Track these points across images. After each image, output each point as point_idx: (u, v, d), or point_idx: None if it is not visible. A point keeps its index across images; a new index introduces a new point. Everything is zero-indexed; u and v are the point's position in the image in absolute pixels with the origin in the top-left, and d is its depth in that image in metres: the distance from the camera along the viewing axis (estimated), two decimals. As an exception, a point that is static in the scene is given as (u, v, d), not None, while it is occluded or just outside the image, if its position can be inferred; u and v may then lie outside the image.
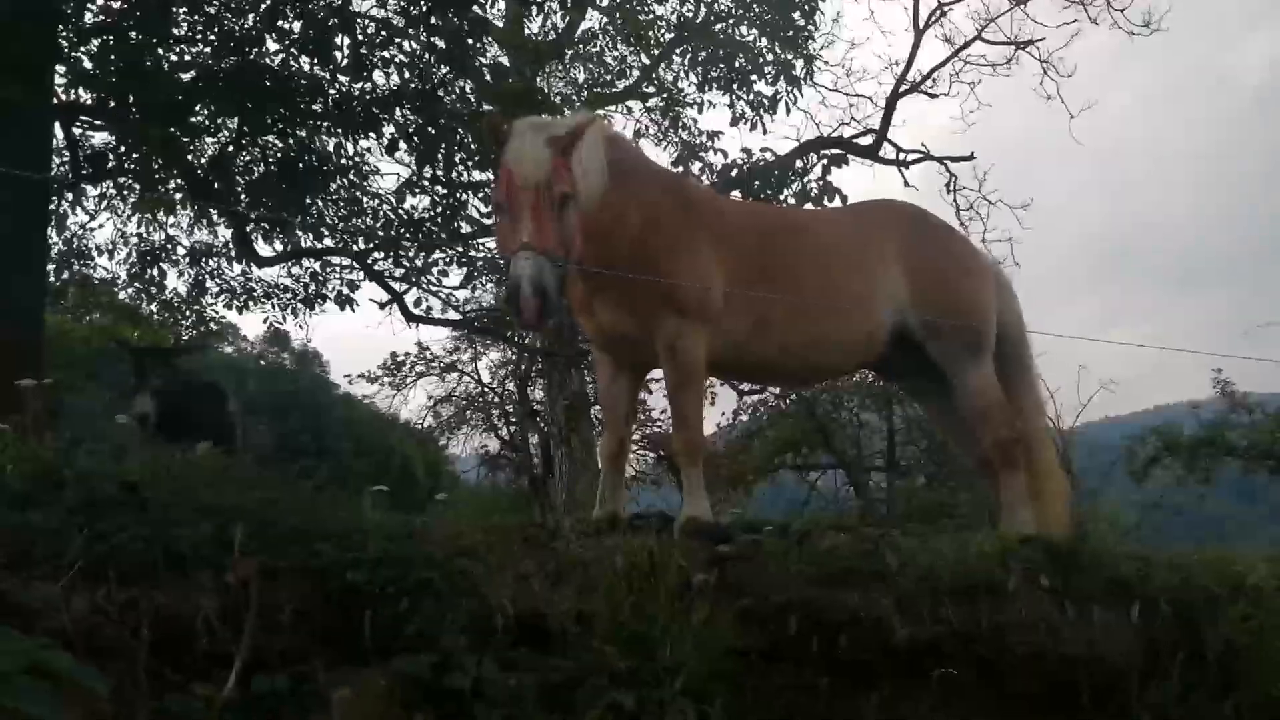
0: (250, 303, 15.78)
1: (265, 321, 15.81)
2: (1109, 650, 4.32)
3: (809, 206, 12.30)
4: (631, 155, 5.84)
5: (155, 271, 15.55)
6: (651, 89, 14.91)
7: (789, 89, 13.80)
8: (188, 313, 16.75)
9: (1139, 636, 4.41)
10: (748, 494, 33.57)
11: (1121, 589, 4.55)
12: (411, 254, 12.91)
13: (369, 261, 12.77)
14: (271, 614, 3.48)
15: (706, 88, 14.29)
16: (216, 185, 12.48)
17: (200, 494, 3.73)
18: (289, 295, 15.15)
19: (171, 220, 14.39)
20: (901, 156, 16.45)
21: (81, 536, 3.25)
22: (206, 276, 15.09)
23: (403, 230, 12.13)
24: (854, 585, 4.24)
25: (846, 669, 4.09)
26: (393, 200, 12.02)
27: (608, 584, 4.02)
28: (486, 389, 29.53)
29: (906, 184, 16.86)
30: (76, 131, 12.33)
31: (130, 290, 16.49)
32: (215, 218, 13.24)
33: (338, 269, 14.91)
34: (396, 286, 13.46)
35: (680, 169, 13.41)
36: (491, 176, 11.41)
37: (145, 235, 15.03)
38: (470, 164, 10.73)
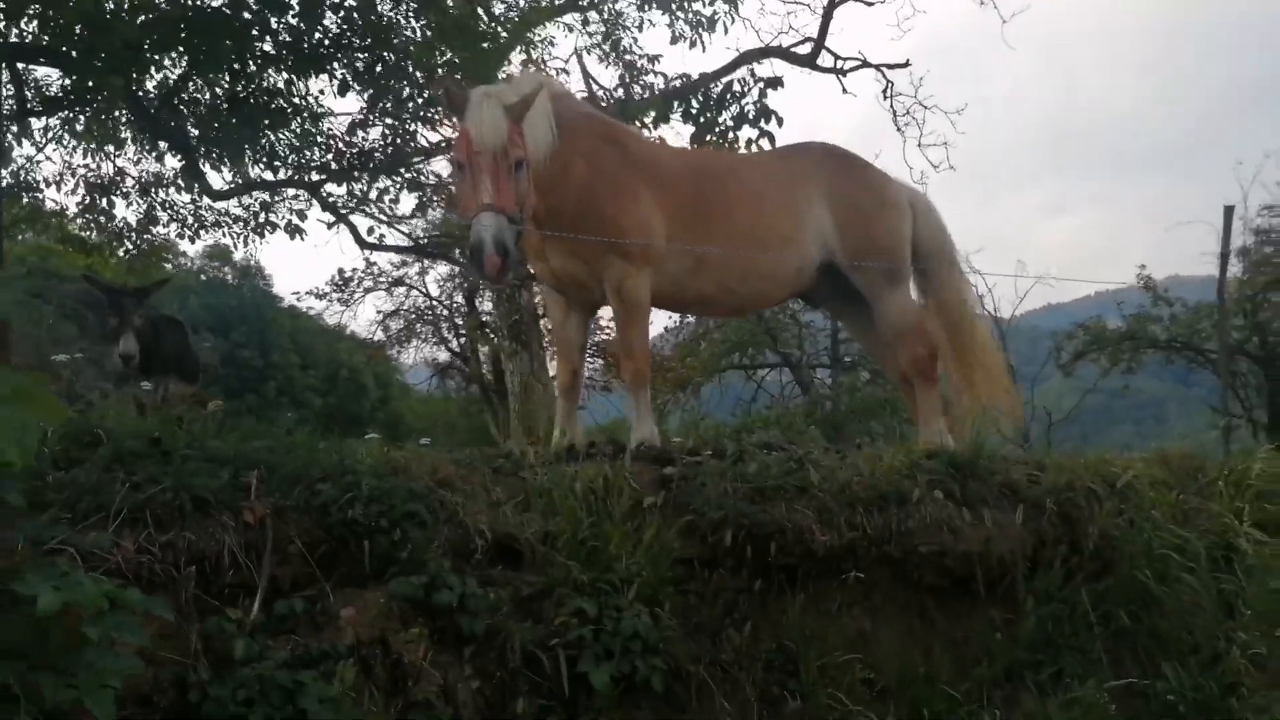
0: (201, 231, 16.03)
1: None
2: (1001, 546, 5.05)
3: (746, 137, 12.74)
4: (574, 109, 6.31)
5: (105, 202, 15.71)
6: (590, 7, 15.12)
7: (728, 7, 14.07)
8: (139, 241, 16.90)
9: (1027, 532, 5.14)
10: (695, 396, 34.38)
11: (1012, 492, 5.27)
12: (362, 183, 13.24)
13: (323, 193, 13.09)
14: (284, 547, 4.07)
15: (646, 7, 14.52)
16: (167, 121, 12.69)
17: (213, 445, 4.27)
18: (239, 224, 15.43)
19: (120, 153, 14.53)
20: (839, 65, 16.80)
21: (122, 488, 3.79)
22: (157, 207, 15.30)
23: (353, 160, 12.46)
24: (781, 500, 4.89)
25: (776, 572, 4.77)
26: (343, 135, 12.33)
27: (568, 507, 4.63)
28: (435, 302, 29.83)
29: (845, 91, 17.22)
30: (21, 67, 12.44)
31: (79, 221, 16.61)
32: (165, 150, 13.45)
33: (287, 198, 15.18)
34: (348, 215, 13.81)
35: (621, 91, 13.75)
36: (439, 111, 11.76)
37: (94, 167, 15.17)
38: (420, 97, 11.02)
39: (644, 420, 5.96)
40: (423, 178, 13.35)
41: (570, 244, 5.88)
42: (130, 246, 16.62)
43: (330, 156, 12.79)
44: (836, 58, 16.77)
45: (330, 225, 15.65)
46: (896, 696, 4.65)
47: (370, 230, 14.51)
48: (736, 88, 12.96)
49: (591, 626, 4.22)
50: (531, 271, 6.31)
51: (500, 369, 28.36)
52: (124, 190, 15.48)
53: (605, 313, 7.03)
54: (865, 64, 16.92)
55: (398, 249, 16.59)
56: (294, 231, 15.23)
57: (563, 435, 6.15)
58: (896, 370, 6.86)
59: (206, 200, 14.80)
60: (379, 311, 31.60)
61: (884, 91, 17.68)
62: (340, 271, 29.23)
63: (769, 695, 4.58)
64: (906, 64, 17.41)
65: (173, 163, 14.20)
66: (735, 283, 6.29)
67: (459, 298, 30.06)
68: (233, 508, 4.00)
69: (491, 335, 28.71)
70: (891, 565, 4.92)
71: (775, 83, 13.13)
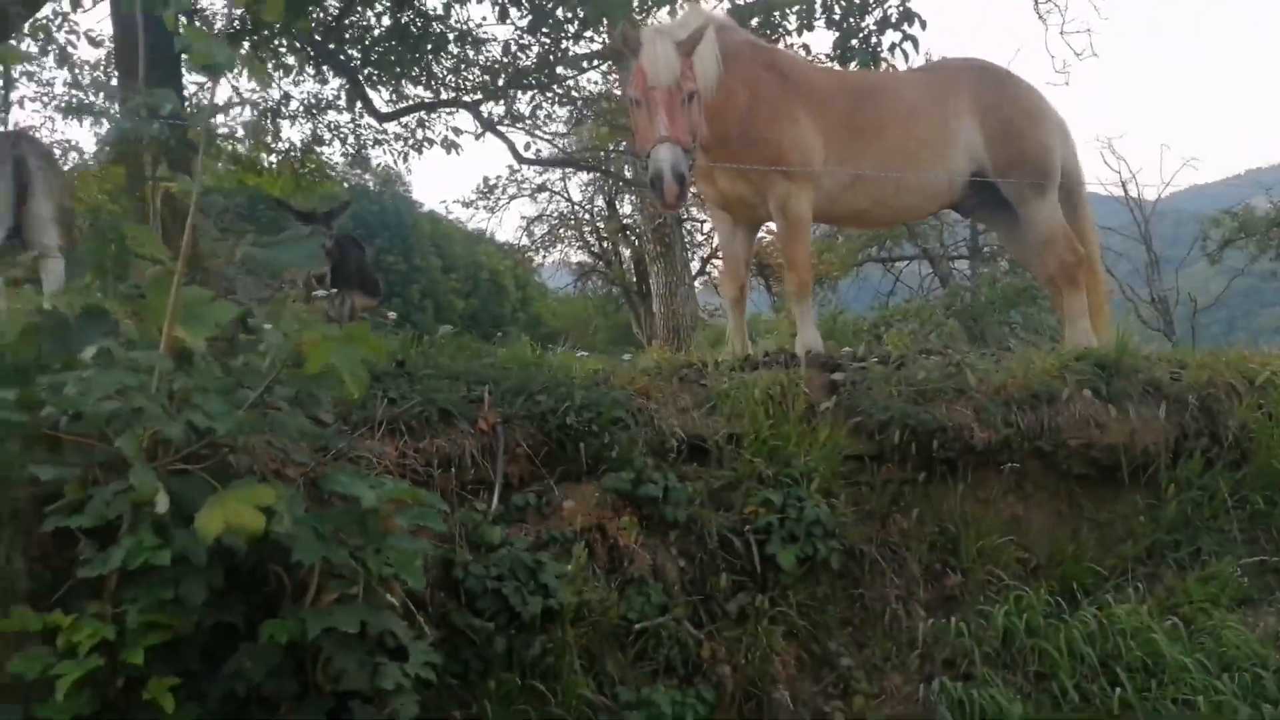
0: (362, 151, 16.93)
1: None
2: (1145, 438, 5.49)
3: (889, 41, 12.82)
4: (737, 39, 6.77)
5: (272, 125, 16.69)
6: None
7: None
8: (306, 164, 17.87)
9: (1170, 426, 5.56)
10: (833, 290, 34.56)
11: (1155, 389, 5.68)
12: (518, 101, 13.86)
13: (481, 111, 13.75)
14: (512, 449, 4.77)
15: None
16: (333, 48, 13.44)
17: (447, 364, 4.99)
18: (400, 142, 16.26)
19: (287, 79, 15.40)
20: None
21: (381, 403, 4.52)
22: (322, 128, 16.23)
23: (510, 79, 13.05)
24: (942, 401, 5.41)
25: (938, 465, 5.31)
26: (500, 57, 12.92)
27: (751, 411, 5.23)
28: (577, 207, 30.52)
29: None
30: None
31: (248, 144, 17.63)
32: (330, 75, 14.27)
33: (443, 115, 15.89)
34: (506, 132, 14.49)
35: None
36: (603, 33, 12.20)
37: (261, 92, 16.10)
38: (577, 17, 11.45)
39: (807, 329, 6.51)
40: (574, 93, 13.88)
41: (737, 164, 6.39)
42: (297, 166, 17.61)
43: (487, 77, 13.40)
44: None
45: (478, 136, 16.38)
46: (1047, 573, 5.19)
47: (527, 146, 15.19)
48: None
49: (777, 514, 4.84)
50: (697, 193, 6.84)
51: (643, 271, 29.07)
52: (290, 114, 16.43)
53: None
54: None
55: (554, 162, 17.22)
56: (450, 146, 16.02)
57: (731, 343, 6.74)
58: (1044, 275, 7.23)
59: (367, 120, 15.60)
60: (523, 217, 32.54)
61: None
62: (485, 179, 30.09)
63: (932, 571, 5.17)
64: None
65: (332, 89, 14.99)
66: (889, 197, 6.73)
67: (600, 201, 30.61)
68: (469, 417, 4.70)
69: (633, 238, 29.36)
70: (1043, 457, 5.41)
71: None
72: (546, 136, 15.27)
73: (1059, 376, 5.53)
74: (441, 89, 13.34)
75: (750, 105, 6.37)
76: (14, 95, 16.16)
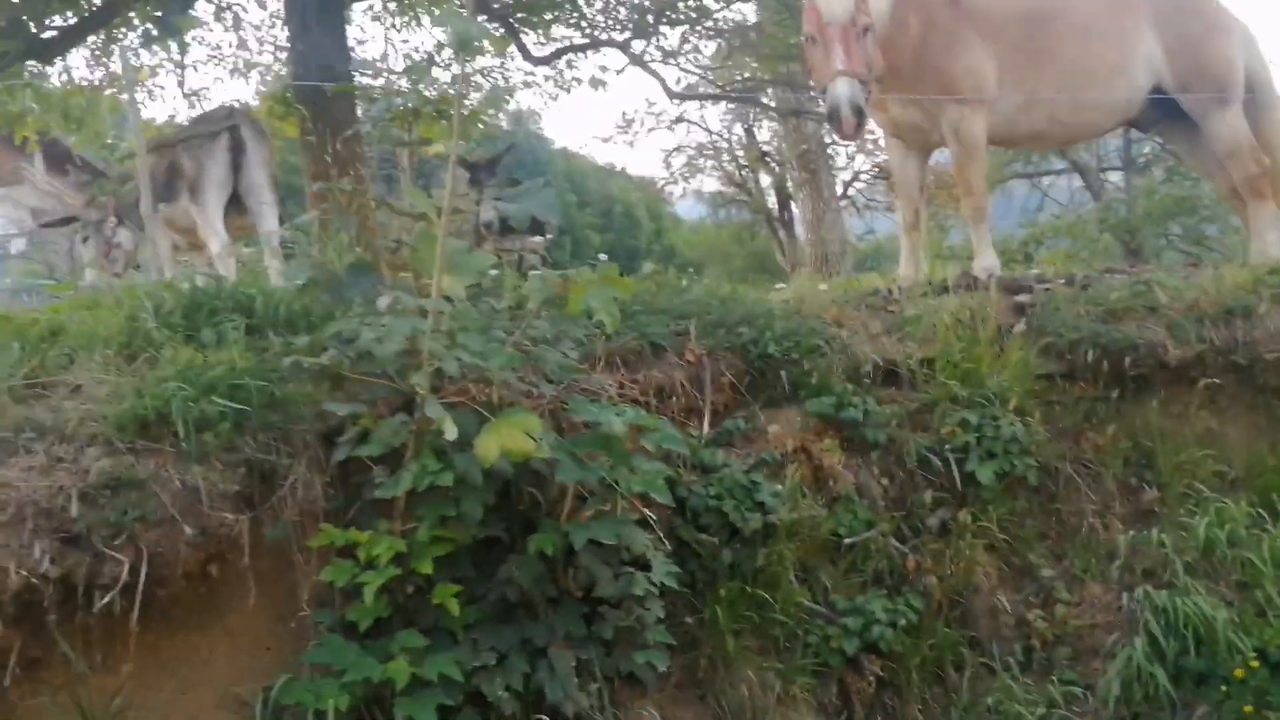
0: (508, 94, 17.28)
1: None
2: (1342, 350, 5.49)
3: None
4: None
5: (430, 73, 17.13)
6: None
7: None
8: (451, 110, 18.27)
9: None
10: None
11: (1354, 301, 5.65)
12: (667, 38, 14.01)
13: (631, 49, 13.94)
14: (717, 379, 5.07)
15: None
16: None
17: (654, 301, 5.29)
18: (549, 82, 16.58)
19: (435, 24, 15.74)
20: None
21: (601, 339, 4.85)
22: (476, 74, 16.63)
23: (660, 17, 13.22)
24: (1132, 319, 5.50)
25: (1129, 382, 5.42)
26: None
27: (943, 335, 5.41)
28: (715, 136, 30.46)
29: None
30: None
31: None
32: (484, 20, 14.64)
33: (587, 55, 16.09)
34: (657, 69, 14.65)
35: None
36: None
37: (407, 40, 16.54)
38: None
39: (985, 251, 6.62)
40: (722, 24, 13.95)
41: (910, 92, 6.49)
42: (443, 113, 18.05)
43: (636, 15, 13.58)
44: None
45: (619, 72, 16.54)
46: (1245, 485, 5.27)
47: (677, 80, 15.34)
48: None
49: (974, 433, 5.05)
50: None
51: (785, 198, 28.99)
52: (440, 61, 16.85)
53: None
54: None
55: (707, 96, 17.34)
56: (597, 85, 16.27)
57: (906, 268, 6.89)
58: (1227, 188, 7.16)
59: (517, 63, 15.92)
60: (662, 150, 32.73)
61: None
62: (624, 114, 30.27)
63: (1127, 486, 5.32)
64: None
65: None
66: (1066, 115, 6.74)
67: (739, 130, 30.50)
68: (678, 350, 5.01)
69: (774, 165, 29.26)
70: (1238, 371, 5.46)
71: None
72: (697, 70, 15.36)
73: (1253, 291, 5.56)
74: (591, 29, 13.56)
75: (922, 33, 6.45)
76: (187, 59, 16.95)
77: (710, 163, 32.43)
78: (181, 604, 3.66)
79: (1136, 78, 6.73)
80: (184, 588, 3.61)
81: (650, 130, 31.70)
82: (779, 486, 4.64)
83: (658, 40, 13.85)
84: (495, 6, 14.05)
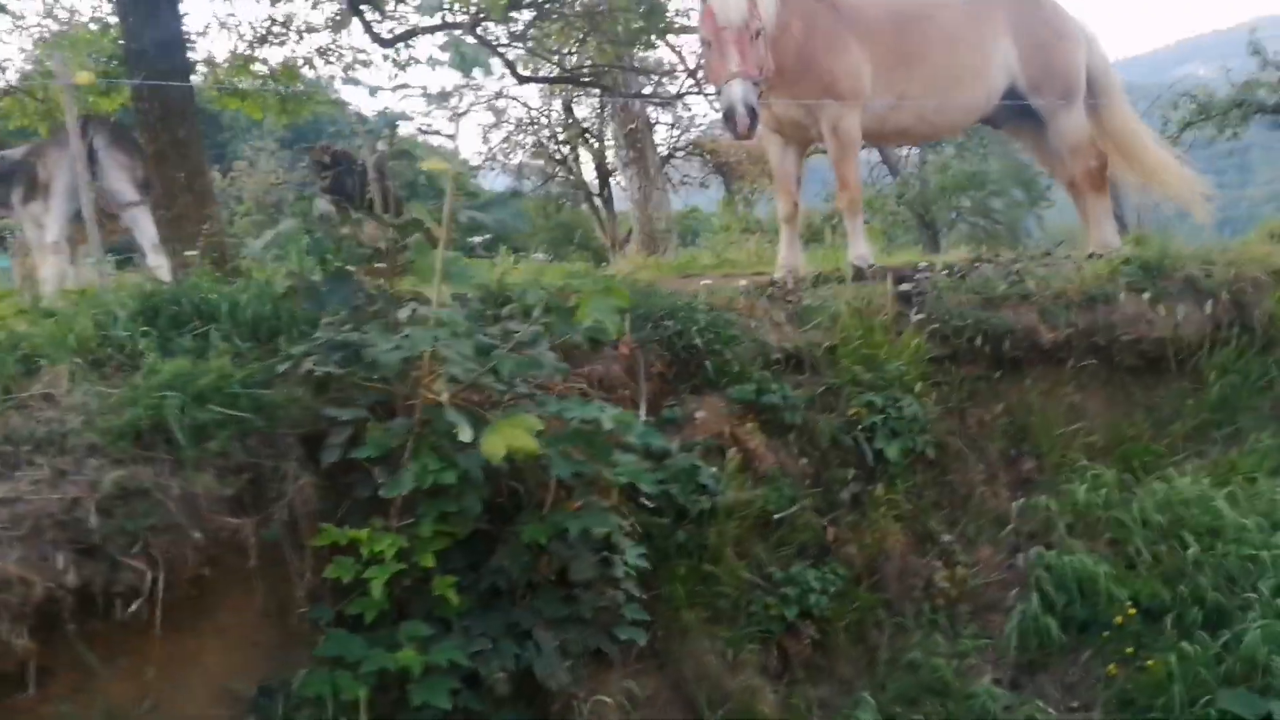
0: (347, 72, 17.05)
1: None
2: (1186, 331, 6.26)
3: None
4: None
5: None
6: None
7: None
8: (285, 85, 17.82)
9: (1206, 318, 6.32)
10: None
11: (1192, 286, 6.42)
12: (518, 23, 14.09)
13: (478, 32, 13.96)
14: (649, 369, 5.39)
15: None
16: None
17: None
18: (388, 62, 16.45)
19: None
20: None
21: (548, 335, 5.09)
22: (311, 51, 16.34)
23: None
24: (1008, 306, 6.10)
25: (1008, 364, 6.02)
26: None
27: (844, 323, 5.88)
28: (535, 113, 30.49)
29: None
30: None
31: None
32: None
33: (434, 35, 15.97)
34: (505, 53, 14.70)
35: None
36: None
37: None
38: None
39: (860, 242, 7.15)
40: (566, 9, 14.12)
41: (792, 91, 6.93)
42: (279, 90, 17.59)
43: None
44: None
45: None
46: (1108, 453, 5.96)
47: (526, 65, 15.44)
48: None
49: (879, 414, 5.53)
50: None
51: (605, 174, 29.43)
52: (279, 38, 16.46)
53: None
54: None
55: (556, 80, 17.51)
56: (435, 65, 16.23)
57: (783, 260, 7.35)
58: (1068, 179, 7.91)
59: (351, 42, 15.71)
60: (480, 125, 32.57)
61: None
62: (442, 88, 29.88)
63: (1008, 458, 5.93)
64: None
65: (331, 10, 15.08)
66: (932, 114, 7.33)
67: (557, 106, 30.60)
68: (613, 344, 5.29)
69: (594, 142, 29.59)
70: (1097, 352, 6.15)
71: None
72: (544, 55, 15.51)
73: (1110, 279, 6.24)
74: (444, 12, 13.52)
75: (805, 37, 6.89)
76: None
77: (530, 139, 32.43)
78: (176, 606, 3.76)
79: (995, 80, 7.37)
80: (184, 591, 3.72)
81: (470, 106, 31.48)
82: (714, 469, 5.00)
83: (509, 25, 13.93)
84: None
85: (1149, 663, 4.87)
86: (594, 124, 29.82)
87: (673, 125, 28.61)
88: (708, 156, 31.10)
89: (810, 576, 4.97)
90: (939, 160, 36.67)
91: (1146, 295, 6.19)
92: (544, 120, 31.24)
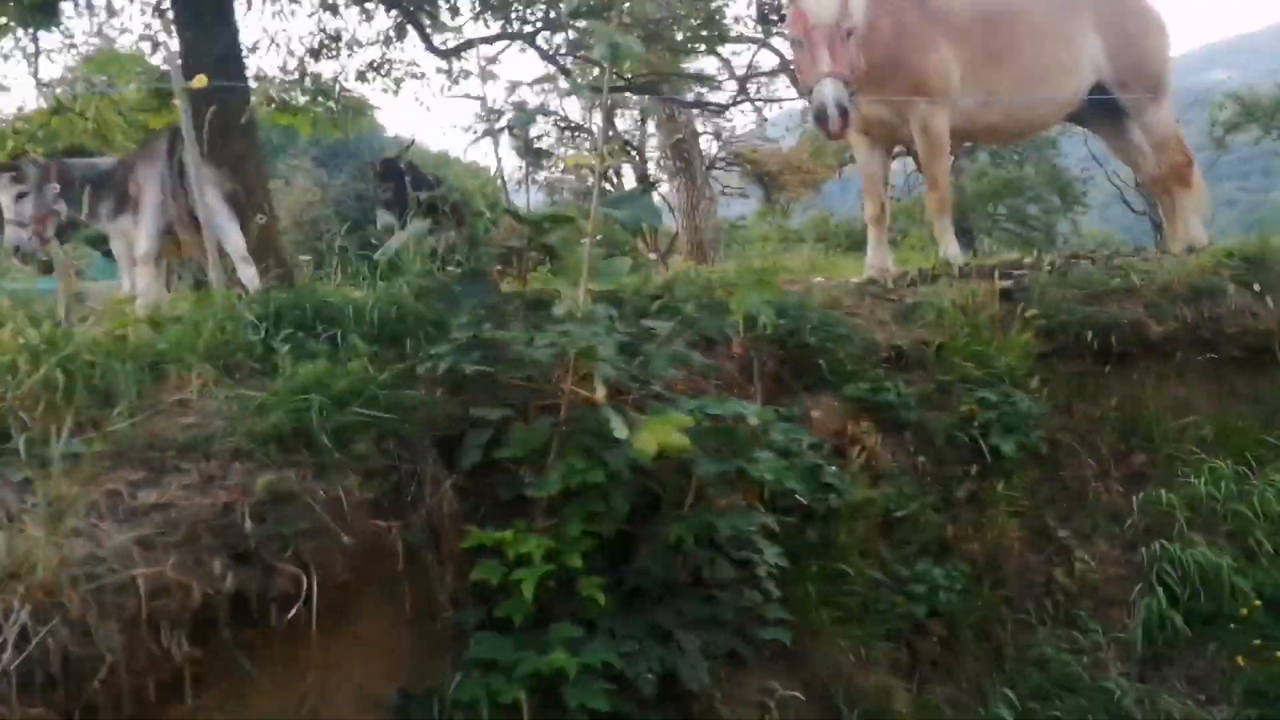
0: (399, 85, 17.19)
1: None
2: (1292, 322, 6.17)
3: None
4: None
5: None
6: None
7: None
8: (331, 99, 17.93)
9: (1313, 310, 6.23)
10: (817, 191, 35.07)
11: (1293, 278, 6.34)
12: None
13: (537, 43, 14.00)
14: (762, 367, 5.34)
15: None
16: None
17: (699, 298, 5.50)
18: (441, 75, 16.55)
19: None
20: None
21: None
22: (368, 67, 16.45)
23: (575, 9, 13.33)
24: (1112, 300, 6.02)
25: (1115, 358, 5.94)
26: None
27: (950, 320, 5.81)
28: (576, 126, 30.59)
29: None
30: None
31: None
32: (385, 13, 14.53)
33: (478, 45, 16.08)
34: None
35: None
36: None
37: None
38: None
39: (949, 241, 7.09)
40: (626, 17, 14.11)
41: (880, 90, 6.88)
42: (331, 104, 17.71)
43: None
44: None
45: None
46: (1219, 446, 5.87)
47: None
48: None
49: (993, 410, 5.46)
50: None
51: (646, 186, 29.40)
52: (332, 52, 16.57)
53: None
54: None
55: (616, 89, 17.66)
56: (487, 77, 16.37)
57: (872, 260, 7.29)
58: (1152, 176, 7.82)
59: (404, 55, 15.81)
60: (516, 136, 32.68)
61: None
62: (483, 104, 30.18)
63: (1118, 452, 5.84)
64: None
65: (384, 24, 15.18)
66: (1022, 111, 7.27)
67: (597, 118, 30.66)
68: (726, 340, 5.25)
69: (633, 153, 29.64)
70: (1203, 345, 6.06)
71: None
72: (598, 63, 15.56)
73: (1215, 272, 6.16)
74: (503, 22, 13.55)
75: (894, 35, 6.84)
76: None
77: (570, 151, 32.52)
78: (323, 612, 3.73)
79: (1084, 76, 7.30)
80: (330, 597, 3.69)
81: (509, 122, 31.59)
82: (833, 468, 4.94)
83: (568, 34, 13.96)
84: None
85: (1278, 654, 4.80)
86: (634, 135, 29.95)
87: (716, 135, 28.68)
88: (748, 166, 31.14)
89: (937, 574, 4.91)
90: (975, 167, 36.59)
91: (1256, 287, 6.10)
92: (586, 133, 31.35)
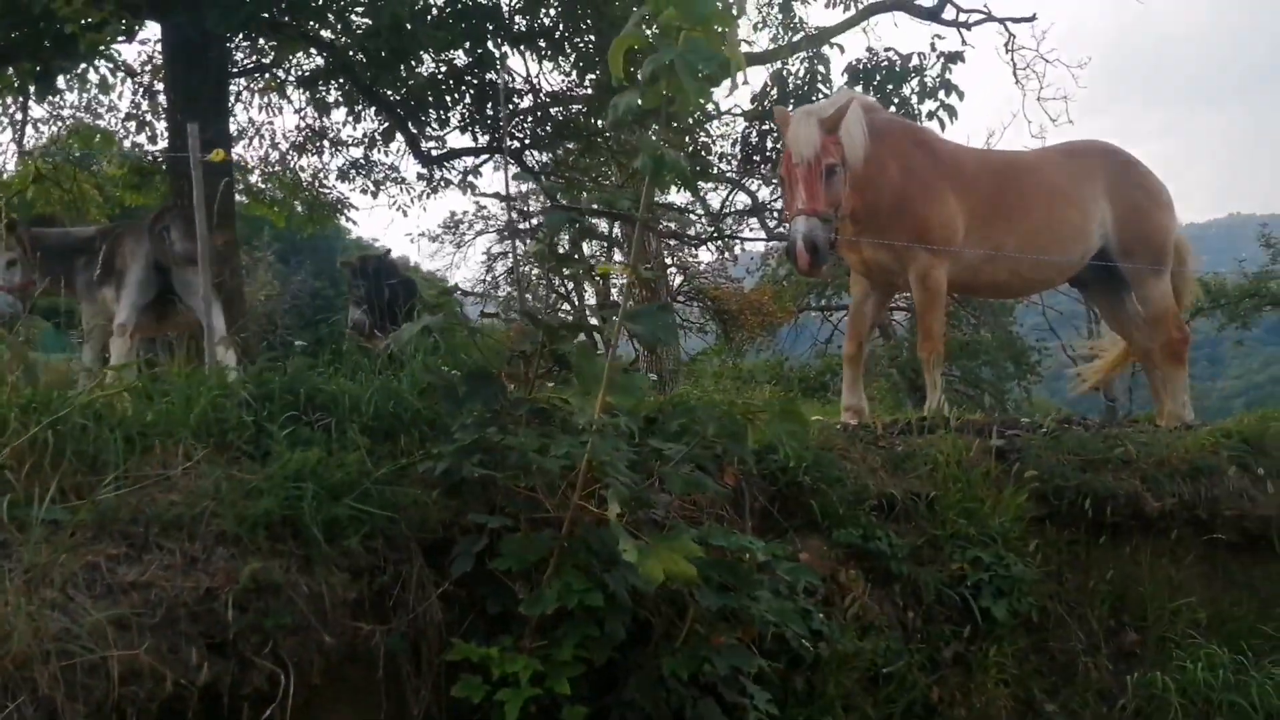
0: (379, 188, 17.26)
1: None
2: (1292, 509, 6.10)
3: (927, 110, 13.64)
4: (884, 116, 7.31)
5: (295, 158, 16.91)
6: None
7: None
8: (311, 194, 17.97)
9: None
10: (771, 335, 35.26)
11: (1294, 464, 6.30)
12: (561, 151, 14.28)
13: (524, 159, 14.12)
14: (753, 503, 5.17)
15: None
16: (378, 89, 13.73)
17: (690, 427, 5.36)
18: (421, 181, 16.66)
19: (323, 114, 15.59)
20: (963, 18, 17.01)
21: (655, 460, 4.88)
22: (350, 166, 16.51)
23: (559, 128, 13.48)
24: (1107, 470, 5.93)
25: (1110, 530, 5.82)
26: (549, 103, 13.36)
27: (945, 473, 5.69)
28: (542, 244, 30.72)
29: (964, 43, 17.15)
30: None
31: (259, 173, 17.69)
32: (373, 115, 14.61)
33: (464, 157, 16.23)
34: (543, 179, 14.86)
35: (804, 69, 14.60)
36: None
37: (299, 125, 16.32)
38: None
39: (937, 394, 7.01)
40: (612, 143, 14.29)
41: (884, 234, 6.88)
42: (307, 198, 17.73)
43: (531, 122, 13.83)
44: (960, 10, 16.70)
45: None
46: (1213, 631, 5.72)
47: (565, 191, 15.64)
48: (916, 61, 13.84)
49: (986, 571, 5.30)
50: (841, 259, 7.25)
51: (609, 309, 29.49)
52: (315, 148, 16.65)
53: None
54: (990, 17, 16.93)
55: (597, 213, 17.79)
56: (467, 186, 16.48)
57: (847, 399, 7.19)
58: (1144, 349, 7.84)
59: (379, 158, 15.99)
60: (485, 253, 32.91)
61: (1006, 45, 18.01)
62: (451, 214, 30.43)
63: (1109, 628, 5.68)
64: (1033, 18, 17.57)
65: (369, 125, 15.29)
66: (1027, 270, 7.28)
67: (564, 240, 30.79)
68: (718, 473, 5.08)
69: (598, 279, 29.81)
70: (1198, 525, 5.97)
71: (956, 57, 13.99)
72: (583, 184, 15.69)
73: (1213, 451, 6.11)
74: (484, 135, 13.67)
75: (900, 179, 6.88)
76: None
77: (535, 270, 32.68)
78: (295, 713, 3.46)
79: (1092, 241, 7.35)
80: (304, 698, 3.42)
81: (479, 233, 31.87)
82: (821, 615, 4.74)
83: (554, 155, 14.09)
84: (388, 99, 14.00)
85: None
86: (597, 260, 30.10)
87: (682, 268, 28.95)
88: (709, 302, 31.36)
89: (923, 738, 4.68)
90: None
91: (1259, 470, 6.06)
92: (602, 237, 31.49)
